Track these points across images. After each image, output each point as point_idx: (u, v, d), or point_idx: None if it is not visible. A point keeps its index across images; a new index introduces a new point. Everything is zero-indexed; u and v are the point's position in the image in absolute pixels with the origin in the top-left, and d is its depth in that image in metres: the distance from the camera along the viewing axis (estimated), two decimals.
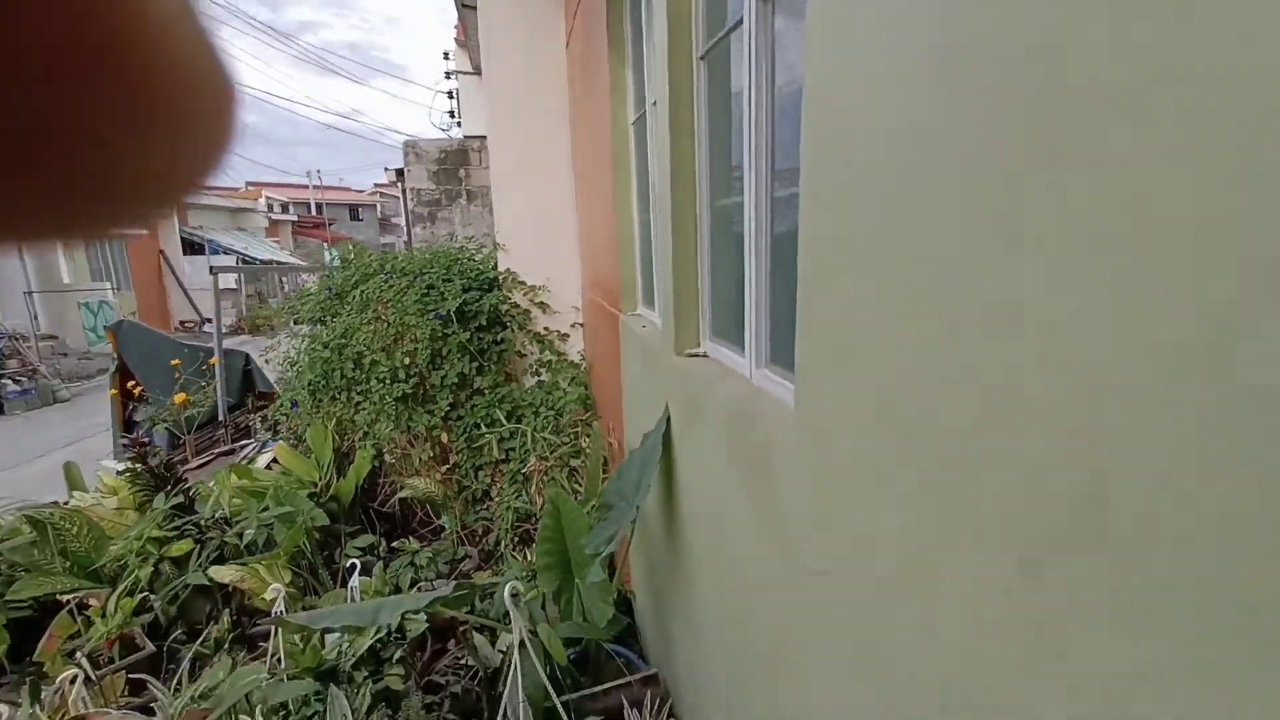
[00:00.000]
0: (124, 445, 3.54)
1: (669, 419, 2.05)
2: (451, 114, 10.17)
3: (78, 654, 1.85)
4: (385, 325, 3.66)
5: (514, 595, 1.61)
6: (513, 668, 1.57)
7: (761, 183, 1.46)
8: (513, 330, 3.95)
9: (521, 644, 1.72)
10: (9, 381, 9.48)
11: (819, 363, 1.06)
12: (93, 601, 2.30)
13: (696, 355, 1.98)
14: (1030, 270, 0.60)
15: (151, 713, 1.26)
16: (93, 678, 1.58)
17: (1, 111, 0.12)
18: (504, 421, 3.38)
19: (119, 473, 3.06)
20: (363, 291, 3.75)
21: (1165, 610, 0.48)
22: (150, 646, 2.23)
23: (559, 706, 1.65)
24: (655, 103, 2.11)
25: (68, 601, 2.25)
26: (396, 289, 3.76)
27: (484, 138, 5.26)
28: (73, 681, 1.49)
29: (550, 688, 1.66)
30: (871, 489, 0.91)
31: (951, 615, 0.75)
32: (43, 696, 1.36)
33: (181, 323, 15.29)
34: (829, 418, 1.03)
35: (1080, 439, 0.55)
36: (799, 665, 1.19)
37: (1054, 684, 0.59)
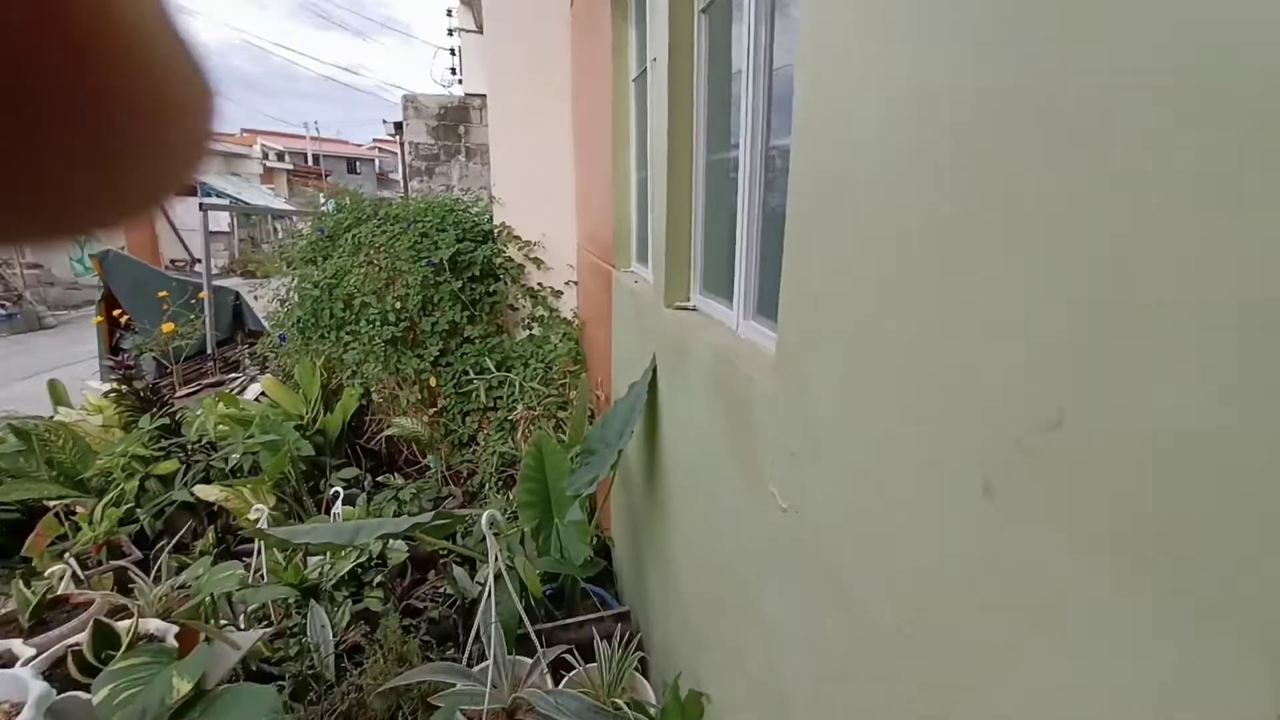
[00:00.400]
0: (109, 367, 3.55)
1: (655, 369, 2.11)
2: (453, 70, 9.95)
3: (66, 555, 1.91)
4: (377, 269, 3.67)
5: (492, 524, 1.68)
6: (488, 593, 1.65)
7: (758, 136, 1.49)
8: (506, 283, 3.97)
9: (499, 575, 1.79)
10: None
11: (801, 307, 1.11)
12: (80, 508, 2.35)
13: (686, 308, 2.03)
14: (995, 217, 0.65)
15: (133, 597, 1.32)
16: (81, 576, 1.64)
17: None
18: (493, 370, 3.42)
19: (105, 394, 3.08)
20: (354, 235, 3.74)
21: (1112, 530, 0.51)
22: (136, 553, 2.30)
23: (531, 632, 1.74)
24: (655, 59, 2.12)
25: (55, 506, 2.31)
26: (389, 235, 3.76)
27: (484, 96, 5.19)
28: (63, 576, 1.55)
29: (524, 616, 1.74)
30: (845, 426, 0.96)
31: (915, 541, 0.79)
32: (33, 588, 1.42)
33: (172, 261, 15.04)
34: (808, 360, 1.08)
35: (1040, 367, 0.58)
36: (765, 601, 1.25)
37: (1008, 603, 0.63)
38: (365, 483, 3.14)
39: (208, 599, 1.38)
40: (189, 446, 2.81)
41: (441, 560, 2.59)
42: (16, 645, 1.20)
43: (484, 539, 1.74)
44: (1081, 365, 0.53)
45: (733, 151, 1.71)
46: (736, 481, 1.40)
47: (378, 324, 3.53)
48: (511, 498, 2.77)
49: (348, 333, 3.55)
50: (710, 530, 1.61)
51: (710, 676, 1.62)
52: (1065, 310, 0.56)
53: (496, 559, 1.66)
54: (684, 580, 1.81)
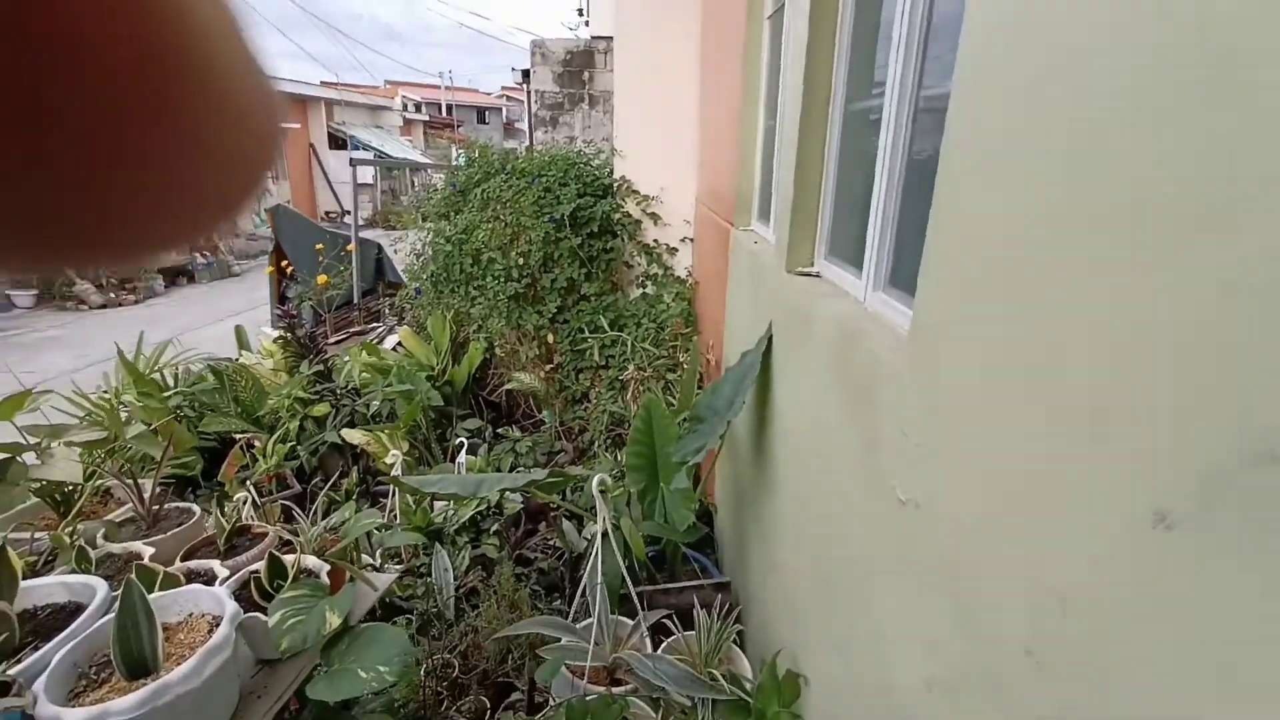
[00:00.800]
0: (277, 316, 4.01)
1: (771, 338, 1.99)
2: (580, 11, 9.87)
3: (247, 482, 2.22)
4: (503, 225, 3.78)
5: (602, 487, 1.69)
6: (595, 554, 1.68)
7: (909, 76, 1.29)
8: (623, 240, 3.95)
9: (605, 533, 1.82)
10: (198, 255, 11.09)
11: (946, 282, 0.97)
12: (256, 442, 2.72)
13: (809, 274, 1.88)
14: (1220, 204, 0.49)
15: (295, 534, 1.50)
16: (258, 502, 1.89)
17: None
18: (606, 329, 3.45)
19: (275, 339, 3.49)
20: (484, 190, 3.87)
21: None
22: (297, 486, 2.64)
23: (633, 594, 1.76)
24: None
25: (240, 439, 2.69)
26: (515, 189, 3.84)
27: (610, 39, 5.08)
28: (245, 502, 1.80)
29: (627, 577, 1.76)
30: (986, 421, 0.84)
31: (1060, 560, 0.69)
32: (226, 511, 1.66)
33: (326, 213, 16.70)
34: (948, 342, 0.95)
35: (1266, 389, 0.46)
36: (874, 592, 1.17)
37: (1169, 644, 0.54)
38: (486, 433, 3.34)
39: (352, 542, 1.53)
40: (338, 391, 3.13)
41: (552, 513, 2.70)
42: (216, 565, 1.42)
43: (593, 497, 1.77)
44: None
45: (876, 98, 1.51)
46: (852, 466, 1.29)
47: (502, 280, 3.67)
48: (619, 457, 2.81)
49: (475, 288, 3.72)
50: (819, 513, 1.52)
51: (809, 658, 1.57)
52: None
53: (604, 520, 1.68)
54: (787, 558, 1.74)
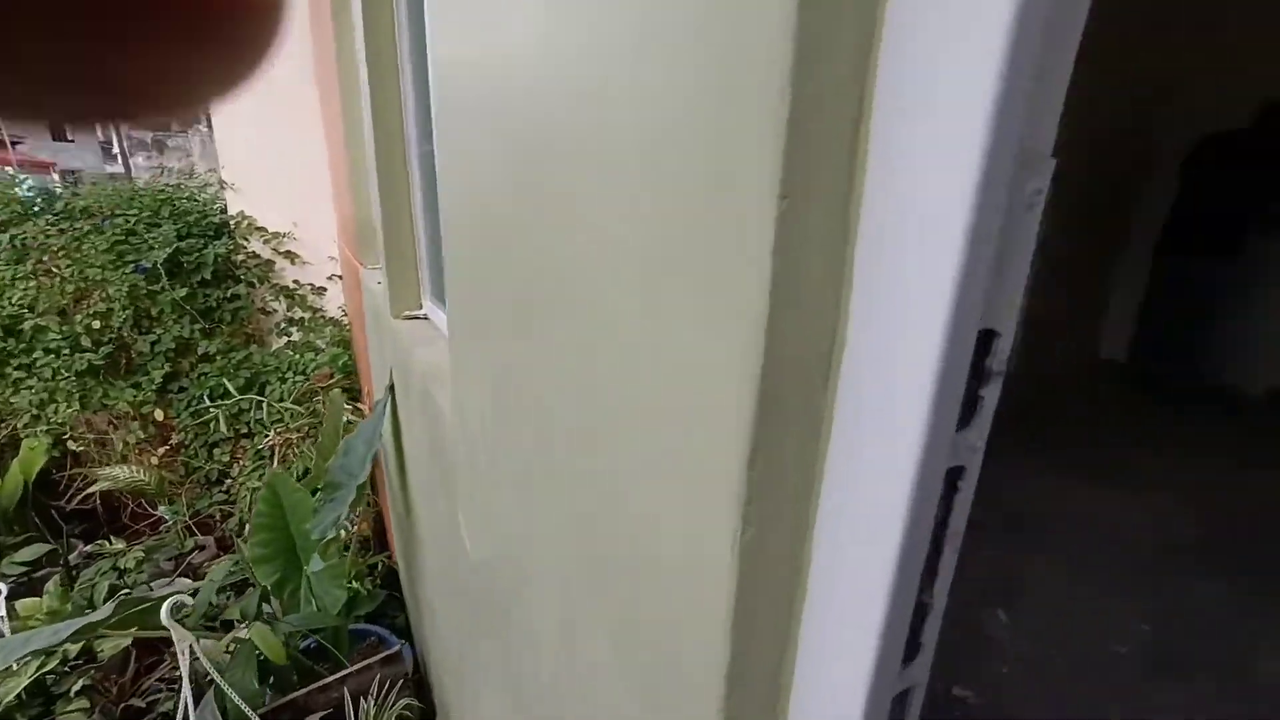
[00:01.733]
0: None
1: (392, 388, 1.89)
2: None
3: None
4: (58, 281, 2.92)
5: (176, 610, 1.38)
6: (183, 704, 1.36)
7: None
8: (252, 285, 3.40)
9: (230, 646, 1.51)
10: None
11: (456, 325, 0.99)
12: None
13: (416, 317, 1.82)
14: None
15: None
16: None
17: None
18: (233, 393, 2.92)
19: None
20: (15, 238, 2.92)
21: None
22: None
23: (252, 718, 1.48)
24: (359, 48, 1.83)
25: None
26: (74, 235, 3.00)
27: None
28: None
29: (244, 705, 1.48)
30: (490, 477, 0.87)
31: (535, 608, 0.74)
32: None
33: None
34: (464, 385, 0.97)
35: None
36: (479, 645, 1.17)
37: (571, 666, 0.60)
38: (71, 555, 2.54)
39: None
40: None
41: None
42: None
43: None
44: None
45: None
46: (448, 516, 1.28)
47: (65, 352, 2.83)
48: None
49: (16, 368, 2.79)
50: (449, 563, 1.49)
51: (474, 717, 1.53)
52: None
53: (190, 652, 1.38)
54: (440, 616, 1.68)
